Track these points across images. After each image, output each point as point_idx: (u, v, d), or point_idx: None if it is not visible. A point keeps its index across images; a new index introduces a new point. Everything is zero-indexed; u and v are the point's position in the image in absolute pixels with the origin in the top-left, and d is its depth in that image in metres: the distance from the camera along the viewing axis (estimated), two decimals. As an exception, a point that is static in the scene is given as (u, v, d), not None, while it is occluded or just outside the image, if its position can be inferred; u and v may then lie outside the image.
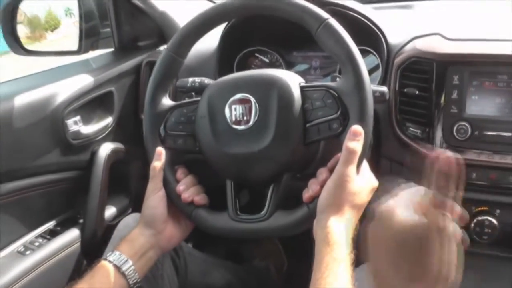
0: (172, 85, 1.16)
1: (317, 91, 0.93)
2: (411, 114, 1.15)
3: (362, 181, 0.88)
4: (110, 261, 0.94)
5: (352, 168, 0.85)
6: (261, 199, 0.98)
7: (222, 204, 1.00)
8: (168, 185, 1.02)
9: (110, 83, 1.41)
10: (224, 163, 0.99)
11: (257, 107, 0.95)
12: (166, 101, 1.05)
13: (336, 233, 0.82)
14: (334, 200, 0.85)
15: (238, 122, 0.96)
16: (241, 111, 0.96)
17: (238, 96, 0.97)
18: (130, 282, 0.94)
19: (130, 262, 0.95)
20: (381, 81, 1.21)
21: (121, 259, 0.95)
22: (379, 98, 1.00)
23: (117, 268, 0.94)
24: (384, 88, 1.02)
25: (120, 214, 1.43)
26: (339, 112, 0.90)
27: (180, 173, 1.04)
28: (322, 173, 0.91)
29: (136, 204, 1.03)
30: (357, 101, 0.88)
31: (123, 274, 0.94)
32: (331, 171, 0.88)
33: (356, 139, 0.85)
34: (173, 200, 1.02)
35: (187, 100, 1.07)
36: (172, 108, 1.04)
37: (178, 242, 1.06)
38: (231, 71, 1.36)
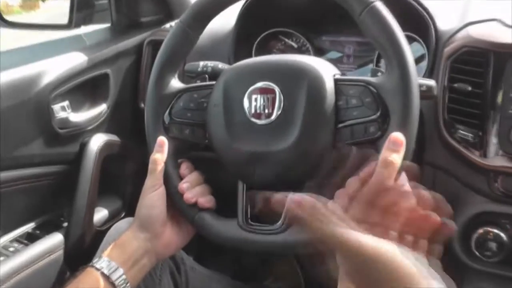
0: (181, 66, 1.16)
1: (354, 86, 0.92)
2: (462, 114, 1.14)
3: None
4: (97, 269, 0.94)
5: (389, 182, 0.83)
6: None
7: (231, 210, 1.00)
8: (170, 181, 1.02)
9: (105, 64, 1.42)
10: (237, 162, 0.99)
11: (282, 99, 0.95)
12: (175, 83, 1.06)
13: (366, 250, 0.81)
14: (365, 217, 0.83)
15: (258, 115, 0.96)
16: (262, 102, 0.96)
17: (260, 84, 0.96)
18: None
19: (121, 271, 0.95)
20: (428, 73, 1.21)
21: (110, 266, 0.94)
22: (425, 93, 0.98)
23: (106, 277, 0.93)
24: (432, 82, 1.01)
25: (112, 218, 1.43)
26: (378, 114, 0.89)
27: (184, 168, 1.04)
28: (352, 183, 0.88)
29: (131, 208, 1.04)
30: (401, 102, 0.87)
31: (112, 284, 0.93)
32: (363, 182, 0.87)
33: (396, 150, 0.83)
34: (173, 199, 1.02)
35: (199, 83, 1.07)
36: (180, 92, 1.05)
37: (177, 249, 1.07)
38: (249, 56, 1.38)
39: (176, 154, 1.04)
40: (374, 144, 0.89)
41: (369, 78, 0.92)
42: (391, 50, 0.88)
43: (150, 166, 1.01)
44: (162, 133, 1.03)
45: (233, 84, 0.99)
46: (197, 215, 1.01)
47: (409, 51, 0.88)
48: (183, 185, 1.01)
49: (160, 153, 1.01)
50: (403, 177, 0.86)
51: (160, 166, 1.00)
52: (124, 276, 0.94)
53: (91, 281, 0.93)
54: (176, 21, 1.06)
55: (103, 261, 0.95)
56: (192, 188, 1.02)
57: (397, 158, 0.82)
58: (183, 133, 1.04)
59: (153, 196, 1.00)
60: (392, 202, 0.82)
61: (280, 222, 0.95)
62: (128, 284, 0.95)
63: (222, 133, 0.98)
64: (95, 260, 0.96)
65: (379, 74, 0.93)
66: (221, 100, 0.99)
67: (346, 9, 0.93)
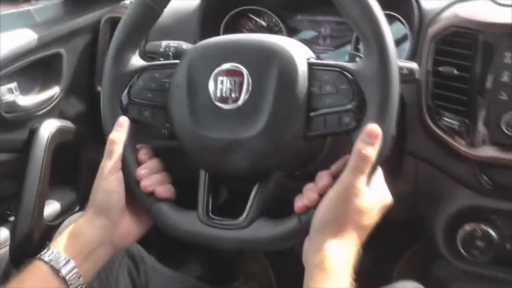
0: (142, 44, 1.15)
1: (329, 71, 0.91)
2: (447, 100, 1.14)
3: (372, 196, 0.87)
4: (45, 262, 0.90)
5: (361, 179, 0.84)
6: (241, 201, 0.96)
7: (192, 202, 0.99)
8: (126, 167, 1.00)
9: (58, 43, 1.40)
10: (200, 149, 0.98)
11: (250, 83, 0.93)
12: (135, 60, 1.04)
13: (335, 258, 0.81)
14: (335, 216, 0.84)
15: (224, 100, 0.95)
16: (229, 85, 0.94)
17: (227, 66, 0.95)
18: None
19: (73, 263, 0.90)
20: (410, 56, 1.20)
21: (60, 259, 0.90)
22: (406, 77, 0.99)
23: (55, 271, 0.89)
24: (414, 65, 1.01)
25: (64, 212, 1.41)
26: (353, 103, 0.88)
27: (143, 153, 1.02)
28: (322, 178, 0.89)
29: (86, 201, 1.01)
30: (379, 91, 0.86)
31: (62, 279, 0.89)
32: (334, 177, 0.87)
33: (371, 142, 0.84)
34: (130, 186, 1.00)
35: (161, 61, 1.06)
36: (141, 70, 1.03)
37: (135, 239, 1.03)
38: (217, 35, 1.34)
39: (134, 138, 1.02)
40: (348, 135, 0.88)
41: (345, 64, 0.91)
42: (370, 33, 0.87)
43: (107, 146, 0.98)
44: (119, 115, 1.02)
45: (198, 65, 0.98)
46: (154, 205, 0.99)
47: (390, 35, 0.87)
48: (141, 172, 0.99)
49: (120, 132, 0.99)
50: (379, 173, 0.88)
51: (119, 147, 0.98)
52: (76, 270, 0.90)
53: (38, 276, 0.89)
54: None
55: (52, 253, 0.91)
56: (150, 176, 1.00)
57: (372, 152, 0.84)
58: (142, 115, 1.02)
59: (112, 180, 0.97)
60: (364, 208, 0.85)
61: (243, 216, 0.94)
62: (80, 279, 0.91)
63: (185, 117, 0.97)
64: (43, 252, 0.92)
65: (357, 59, 0.93)
66: (185, 81, 0.97)
67: None
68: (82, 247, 0.93)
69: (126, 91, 1.03)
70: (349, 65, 0.90)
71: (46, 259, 0.90)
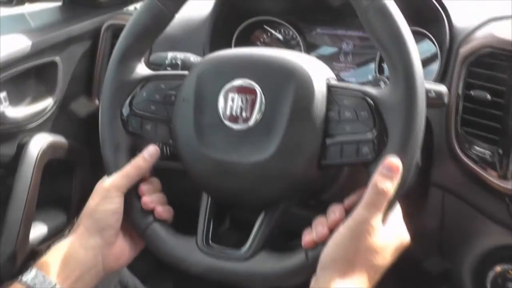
0: (147, 54, 1.15)
1: (349, 96, 0.91)
2: (478, 128, 1.13)
3: (388, 235, 0.86)
4: (28, 286, 0.88)
5: (376, 215, 0.84)
6: (244, 231, 0.97)
7: (189, 229, 0.99)
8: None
9: (53, 51, 1.40)
10: (204, 170, 0.97)
11: (263, 102, 0.93)
12: (140, 69, 1.04)
13: None
14: (345, 254, 0.83)
15: (233, 119, 0.94)
16: (240, 103, 0.94)
17: (239, 82, 0.95)
18: None
19: None
20: (439, 77, 1.20)
21: (45, 283, 0.89)
22: (434, 100, 0.99)
23: None
24: (442, 88, 1.01)
25: (52, 236, 1.40)
26: (374, 132, 0.88)
27: None
28: (334, 212, 0.89)
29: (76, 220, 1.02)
30: (402, 123, 0.85)
31: None
32: (347, 211, 0.87)
33: (390, 176, 0.84)
34: (129, 203, 0.99)
35: (169, 71, 1.06)
36: (145, 79, 1.03)
37: (127, 262, 1.03)
38: (228, 48, 1.34)
39: (134, 153, 1.02)
40: (366, 167, 0.88)
41: (368, 89, 0.90)
42: (397, 59, 0.86)
43: (130, 168, 0.98)
44: (119, 126, 1.02)
45: (208, 78, 0.98)
46: (150, 227, 0.99)
47: (419, 62, 0.87)
48: (143, 187, 0.99)
49: (146, 162, 1.00)
50: (397, 209, 0.89)
51: (139, 173, 0.99)
52: None
53: None
54: (136, 6, 1.04)
55: (37, 277, 0.89)
56: (153, 193, 1.00)
57: (389, 187, 0.83)
58: (144, 128, 1.02)
59: (116, 201, 0.97)
60: (377, 247, 0.84)
61: (246, 246, 0.94)
62: None
63: (190, 135, 0.96)
64: (25, 274, 0.90)
65: (381, 83, 0.93)
66: (193, 95, 0.97)
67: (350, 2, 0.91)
68: (71, 270, 0.92)
69: (128, 101, 1.02)
70: (372, 90, 0.90)
71: (29, 282, 0.88)
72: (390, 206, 0.85)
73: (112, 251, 0.97)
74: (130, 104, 1.02)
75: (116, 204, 0.96)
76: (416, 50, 0.86)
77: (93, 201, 0.97)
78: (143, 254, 1.07)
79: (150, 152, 1.00)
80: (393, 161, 0.83)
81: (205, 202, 0.99)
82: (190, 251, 0.96)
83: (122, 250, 1.00)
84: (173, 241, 0.99)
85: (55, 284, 0.89)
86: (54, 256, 0.93)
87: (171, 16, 1.02)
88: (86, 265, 0.94)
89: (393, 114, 0.86)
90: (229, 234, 1.05)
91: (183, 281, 1.41)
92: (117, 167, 0.99)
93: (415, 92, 0.85)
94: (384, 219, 0.85)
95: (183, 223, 1.01)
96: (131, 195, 0.99)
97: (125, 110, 1.02)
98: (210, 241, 0.97)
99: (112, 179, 0.97)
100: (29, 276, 0.89)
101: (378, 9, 0.86)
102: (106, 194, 0.97)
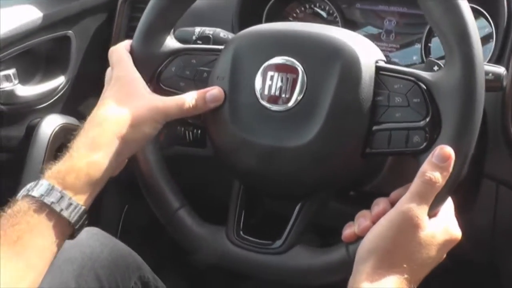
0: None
1: (401, 79, 0.89)
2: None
3: (436, 229, 0.84)
4: (44, 204, 0.83)
5: (423, 207, 0.82)
6: (279, 223, 0.95)
7: (220, 218, 0.99)
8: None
9: (66, 24, 1.40)
10: (237, 155, 0.96)
11: (305, 82, 0.91)
12: (170, 41, 1.02)
13: None
14: (384, 245, 0.82)
15: (272, 99, 0.93)
16: (279, 83, 0.92)
17: (280, 60, 0.93)
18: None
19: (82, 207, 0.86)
20: (495, 59, 1.17)
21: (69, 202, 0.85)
22: (491, 83, 0.94)
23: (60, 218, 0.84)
24: (501, 69, 0.97)
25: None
26: (427, 119, 0.86)
27: None
28: (379, 204, 0.88)
29: (91, 214, 0.98)
30: (459, 109, 0.83)
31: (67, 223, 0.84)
32: (393, 204, 0.85)
33: (440, 167, 0.81)
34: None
35: (201, 45, 1.06)
36: (175, 52, 1.01)
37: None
38: (259, 23, 1.33)
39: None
40: (415, 158, 0.86)
41: (421, 73, 0.88)
42: (455, 39, 0.84)
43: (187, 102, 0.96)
44: None
45: (245, 55, 0.96)
46: (178, 212, 1.00)
47: (479, 44, 0.84)
48: None
49: (203, 106, 0.96)
50: (449, 203, 0.88)
51: (189, 114, 0.96)
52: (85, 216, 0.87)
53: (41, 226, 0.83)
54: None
55: (54, 192, 0.84)
56: None
57: (439, 178, 0.81)
58: None
59: (158, 126, 0.94)
60: (422, 241, 0.83)
61: (282, 239, 0.94)
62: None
63: (223, 115, 0.96)
64: (32, 185, 0.86)
65: (436, 68, 0.91)
66: (228, 73, 0.96)
67: None
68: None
69: (155, 76, 1.01)
70: (426, 74, 0.88)
71: (46, 200, 0.83)
72: (439, 199, 0.83)
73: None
74: (158, 79, 1.01)
75: (154, 131, 0.94)
76: (476, 31, 0.84)
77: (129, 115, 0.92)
78: (155, 247, 1.06)
79: (214, 95, 0.96)
80: (446, 150, 0.81)
81: (237, 190, 0.99)
82: (220, 242, 0.97)
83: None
84: (201, 230, 0.99)
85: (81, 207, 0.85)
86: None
87: None
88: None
89: (449, 100, 0.84)
90: (261, 226, 1.04)
91: (197, 275, 1.39)
92: None
93: (475, 76, 0.83)
94: (432, 212, 0.83)
95: (206, 214, 1.00)
96: None
97: (151, 86, 1.00)
98: (241, 232, 0.97)
99: (161, 100, 0.95)
100: (38, 189, 0.85)
101: None
102: (148, 114, 0.93)
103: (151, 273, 1.17)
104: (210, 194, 1.06)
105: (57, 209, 0.83)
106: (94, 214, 0.97)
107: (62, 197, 0.84)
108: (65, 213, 0.84)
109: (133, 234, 1.55)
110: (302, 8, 1.40)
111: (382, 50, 1.26)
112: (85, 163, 0.87)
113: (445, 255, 0.86)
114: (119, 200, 1.55)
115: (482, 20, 1.23)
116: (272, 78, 0.93)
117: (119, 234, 1.57)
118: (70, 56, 1.40)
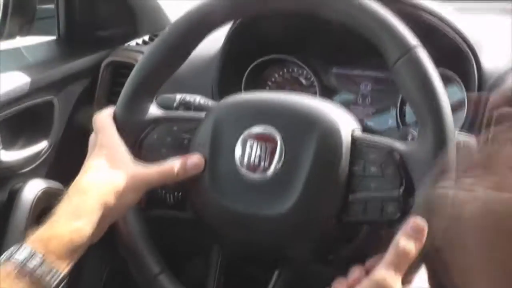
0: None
1: (376, 150, 0.91)
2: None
3: None
4: (24, 266, 0.83)
5: (397, 277, 0.81)
6: (259, 287, 0.97)
7: (199, 281, 1.00)
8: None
9: (50, 90, 1.41)
10: (217, 221, 0.98)
11: (284, 152, 0.93)
12: (152, 109, 1.03)
13: None
14: None
15: (251, 167, 0.94)
16: (258, 152, 0.94)
17: (259, 129, 0.95)
18: None
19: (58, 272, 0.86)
20: (467, 125, 1.17)
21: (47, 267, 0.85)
22: None
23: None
24: (471, 140, 0.97)
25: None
26: (401, 190, 0.88)
27: None
28: (354, 272, 0.88)
29: (72, 281, 0.99)
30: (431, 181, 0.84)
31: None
32: (369, 272, 0.85)
33: (414, 237, 0.81)
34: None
35: (182, 112, 1.06)
36: (157, 120, 1.03)
37: None
38: (238, 87, 1.36)
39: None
40: (390, 227, 0.88)
41: (395, 143, 0.90)
42: (427, 114, 0.86)
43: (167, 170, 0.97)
44: None
45: (226, 124, 0.98)
46: (158, 277, 0.99)
47: (450, 119, 0.87)
48: None
49: (184, 174, 0.97)
50: (422, 272, 0.85)
51: (169, 181, 0.98)
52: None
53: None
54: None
55: (35, 257, 0.85)
56: None
57: (412, 248, 0.81)
58: None
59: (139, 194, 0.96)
60: None
61: None
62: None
63: (204, 182, 0.97)
64: (14, 249, 0.86)
65: (410, 137, 0.94)
66: (209, 141, 0.97)
67: (379, 49, 0.91)
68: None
69: (137, 144, 1.01)
70: (400, 145, 0.89)
71: (28, 265, 0.83)
72: (413, 268, 0.83)
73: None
74: (140, 146, 1.02)
75: (136, 198, 0.95)
76: (448, 106, 0.87)
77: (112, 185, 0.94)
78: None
79: (195, 163, 0.97)
80: (419, 221, 0.81)
81: (216, 255, 1.00)
82: None
83: None
84: None
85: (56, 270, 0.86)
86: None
87: (189, 53, 1.03)
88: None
89: (422, 172, 0.85)
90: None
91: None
92: None
93: (446, 150, 0.84)
94: (404, 282, 0.82)
95: (186, 273, 1.02)
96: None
97: (134, 152, 1.00)
98: None
99: (143, 169, 0.96)
100: (21, 252, 0.86)
101: (411, 61, 0.87)
102: (131, 182, 0.94)
103: None
104: (190, 257, 1.06)
105: (38, 274, 0.83)
106: (74, 277, 0.98)
107: (43, 262, 0.84)
108: (46, 279, 0.83)
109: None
110: (280, 73, 1.41)
111: (358, 114, 1.30)
112: (68, 230, 0.87)
113: None
114: (100, 262, 1.54)
115: (454, 86, 1.23)
116: (251, 146, 0.94)
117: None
118: (53, 121, 1.40)
